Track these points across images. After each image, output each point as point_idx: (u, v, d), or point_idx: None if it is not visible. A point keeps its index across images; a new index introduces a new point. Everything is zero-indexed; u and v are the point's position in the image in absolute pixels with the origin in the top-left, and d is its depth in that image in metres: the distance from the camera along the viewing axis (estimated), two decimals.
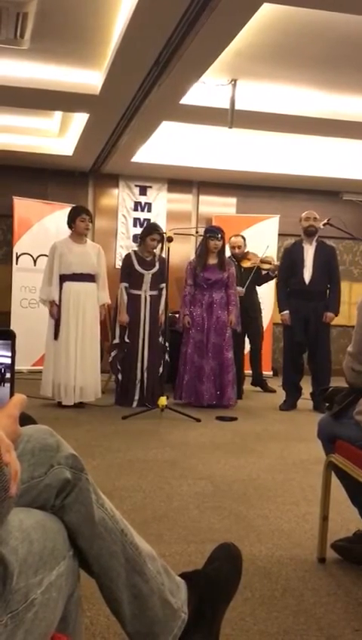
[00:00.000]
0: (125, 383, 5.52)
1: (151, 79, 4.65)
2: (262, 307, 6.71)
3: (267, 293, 7.29)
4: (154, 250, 5.61)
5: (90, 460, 3.51)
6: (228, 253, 6.27)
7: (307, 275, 5.59)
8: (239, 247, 6.38)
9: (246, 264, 6.34)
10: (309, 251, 5.62)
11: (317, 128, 5.86)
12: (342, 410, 2.20)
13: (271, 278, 6.40)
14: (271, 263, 6.31)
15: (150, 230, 5.61)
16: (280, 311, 5.73)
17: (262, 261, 6.35)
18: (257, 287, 6.51)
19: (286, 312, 5.66)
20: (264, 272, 6.36)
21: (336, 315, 5.63)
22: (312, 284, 5.58)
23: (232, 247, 6.38)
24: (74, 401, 5.17)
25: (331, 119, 5.52)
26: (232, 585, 1.39)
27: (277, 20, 3.91)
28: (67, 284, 5.23)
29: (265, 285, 6.71)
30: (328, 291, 5.64)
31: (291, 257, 5.71)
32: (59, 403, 5.19)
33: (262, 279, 6.45)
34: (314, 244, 5.65)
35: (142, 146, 6.67)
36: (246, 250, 6.43)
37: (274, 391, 6.62)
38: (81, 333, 5.22)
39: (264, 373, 7.17)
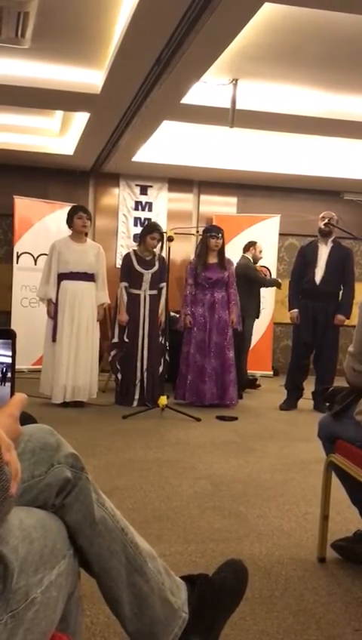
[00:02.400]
0: (125, 383, 5.52)
1: (152, 79, 4.65)
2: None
3: (267, 294, 7.30)
4: (154, 250, 5.61)
5: (90, 459, 3.52)
6: (239, 254, 6.59)
7: (318, 275, 5.55)
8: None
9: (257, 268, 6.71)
10: (323, 251, 5.59)
11: (318, 128, 5.85)
12: (342, 410, 2.20)
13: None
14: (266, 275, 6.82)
15: (150, 229, 5.60)
16: (290, 309, 5.71)
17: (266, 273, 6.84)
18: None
19: (296, 310, 5.64)
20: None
21: (348, 318, 5.55)
22: (323, 285, 5.53)
23: (261, 252, 6.69)
24: (63, 399, 5.15)
25: (332, 119, 5.52)
26: (235, 597, 1.39)
27: (279, 19, 3.90)
28: (64, 283, 5.23)
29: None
30: (341, 293, 5.58)
31: (305, 257, 5.69)
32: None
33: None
34: (330, 244, 5.61)
35: (143, 145, 6.67)
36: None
37: (259, 385, 6.95)
38: (77, 331, 5.21)
39: (265, 372, 7.54)
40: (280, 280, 6.61)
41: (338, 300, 5.56)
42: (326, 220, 5.54)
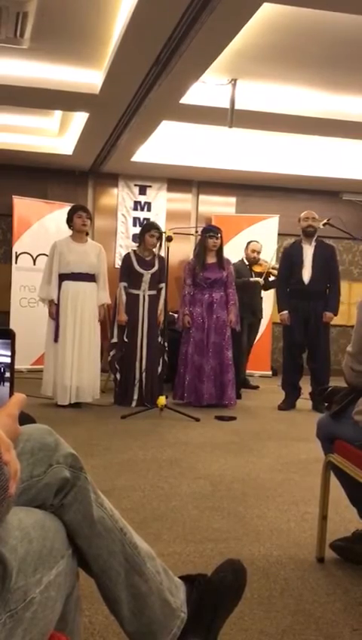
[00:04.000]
0: (124, 383, 5.51)
1: (151, 79, 4.65)
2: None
3: (266, 294, 7.30)
4: (154, 250, 5.61)
5: (89, 459, 3.51)
6: (238, 254, 6.58)
7: (306, 274, 5.58)
8: (259, 252, 6.67)
9: (257, 269, 6.62)
10: (308, 251, 5.62)
11: (317, 128, 5.86)
12: (341, 410, 2.20)
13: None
14: (267, 273, 6.62)
15: (148, 227, 5.62)
16: (280, 311, 5.71)
17: (273, 268, 6.61)
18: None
19: (286, 312, 5.65)
20: (272, 279, 6.56)
21: (335, 315, 5.61)
22: (311, 284, 5.57)
23: (253, 252, 6.63)
24: (69, 401, 5.15)
25: (331, 119, 5.52)
26: (234, 596, 1.39)
27: (277, 19, 3.91)
28: (66, 284, 5.22)
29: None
30: (328, 291, 5.63)
31: (290, 257, 5.71)
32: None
33: (270, 284, 6.61)
34: (314, 243, 5.64)
35: (142, 145, 6.67)
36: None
37: (257, 387, 6.94)
38: (79, 332, 5.21)
39: (263, 372, 7.75)
40: (259, 280, 6.49)
41: (326, 299, 5.59)
42: (324, 220, 5.55)
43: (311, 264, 5.57)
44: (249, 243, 6.70)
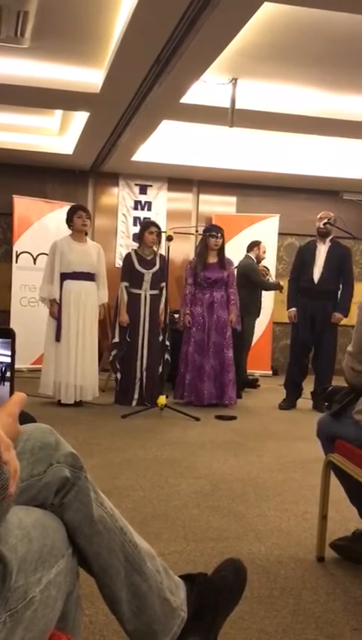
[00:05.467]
0: (125, 382, 5.52)
1: (151, 78, 4.65)
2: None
3: (267, 293, 7.31)
4: (154, 248, 5.61)
5: (89, 458, 3.51)
6: (238, 253, 6.61)
7: (316, 274, 5.57)
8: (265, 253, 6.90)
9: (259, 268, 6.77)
10: (321, 251, 5.61)
11: (318, 128, 5.85)
12: (341, 410, 2.21)
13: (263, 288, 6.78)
14: (266, 275, 6.88)
15: (146, 224, 5.66)
16: (288, 308, 5.74)
17: (266, 273, 6.89)
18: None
19: (294, 309, 5.67)
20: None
21: (345, 317, 5.58)
22: (321, 284, 5.55)
23: (264, 252, 6.79)
24: (74, 399, 5.17)
25: (331, 119, 5.52)
26: (234, 596, 1.39)
27: (278, 19, 3.90)
28: (67, 283, 5.22)
29: None
30: (339, 292, 5.61)
31: (303, 256, 5.72)
32: (59, 401, 5.19)
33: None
34: (328, 244, 5.63)
35: (143, 144, 6.67)
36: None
37: (258, 384, 6.97)
38: (82, 331, 5.21)
39: (264, 372, 7.73)
40: (281, 283, 6.63)
41: (336, 299, 5.57)
42: (324, 220, 5.56)
43: (323, 264, 5.56)
44: (259, 243, 6.73)
